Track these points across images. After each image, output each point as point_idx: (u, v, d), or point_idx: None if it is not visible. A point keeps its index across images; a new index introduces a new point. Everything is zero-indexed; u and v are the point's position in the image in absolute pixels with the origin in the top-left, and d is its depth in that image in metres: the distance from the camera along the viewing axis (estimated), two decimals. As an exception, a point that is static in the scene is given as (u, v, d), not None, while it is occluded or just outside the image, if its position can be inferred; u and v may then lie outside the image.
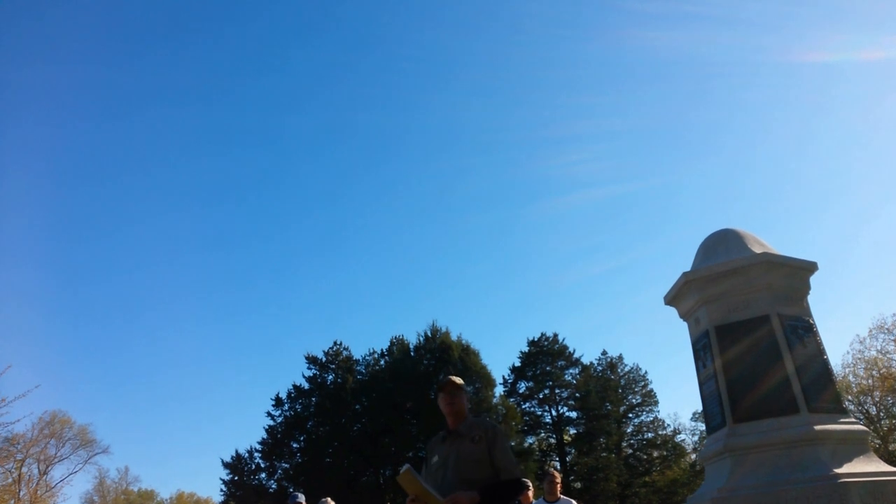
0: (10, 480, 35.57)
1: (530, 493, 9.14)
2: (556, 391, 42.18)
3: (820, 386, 6.83)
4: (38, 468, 44.62)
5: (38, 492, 38.41)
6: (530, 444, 40.90)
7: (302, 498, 8.65)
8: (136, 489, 62.51)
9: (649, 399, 43.59)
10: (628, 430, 43.67)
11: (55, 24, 71.66)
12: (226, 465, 36.87)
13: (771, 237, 7.67)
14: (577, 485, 38.99)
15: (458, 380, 4.40)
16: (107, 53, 76.04)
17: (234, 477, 36.69)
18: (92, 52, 75.31)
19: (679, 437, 45.26)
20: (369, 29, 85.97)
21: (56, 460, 46.51)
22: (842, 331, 69.71)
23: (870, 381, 36.28)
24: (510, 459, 4.12)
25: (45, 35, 70.28)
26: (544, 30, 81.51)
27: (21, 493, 36.18)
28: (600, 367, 43.85)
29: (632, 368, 44.40)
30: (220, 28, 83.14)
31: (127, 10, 75.93)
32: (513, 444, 37.61)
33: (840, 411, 6.91)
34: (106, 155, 77.88)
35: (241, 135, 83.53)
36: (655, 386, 54.52)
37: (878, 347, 36.17)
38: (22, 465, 39.25)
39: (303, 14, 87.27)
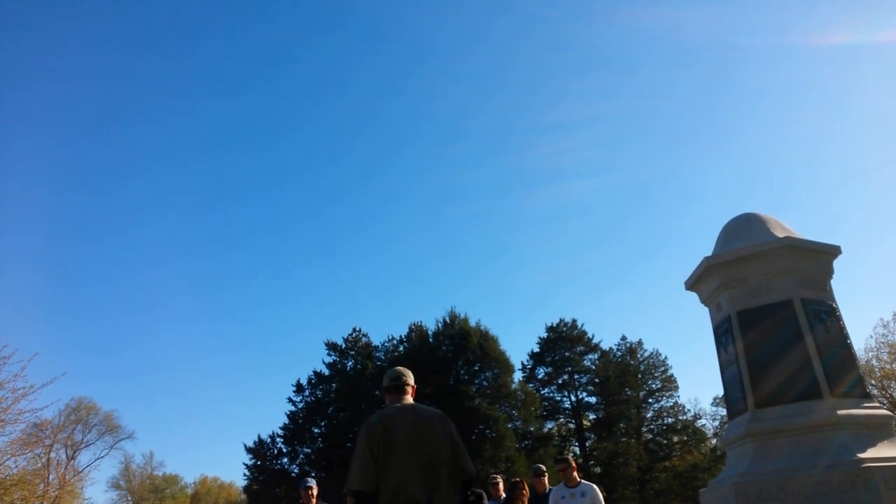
0: (39, 465, 36.31)
1: (545, 480, 9.17)
2: (576, 377, 42.16)
3: (843, 370, 6.77)
4: (66, 453, 45.64)
5: (67, 476, 39.19)
6: (549, 429, 41.02)
7: (313, 482, 8.80)
8: (160, 474, 63.68)
9: (669, 384, 43.42)
10: (648, 416, 43.60)
11: (56, 29, 72.44)
12: (249, 450, 37.39)
13: (796, 220, 7.60)
14: (597, 470, 39.06)
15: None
16: (107, 58, 76.68)
17: (256, 462, 37.21)
18: (91, 56, 76.03)
19: (699, 422, 45.13)
20: (373, 25, 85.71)
21: (83, 446, 47.55)
22: (865, 314, 68.87)
23: (894, 365, 35.76)
24: (351, 467, 3.90)
25: (46, 40, 71.12)
26: (561, 12, 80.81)
27: (50, 478, 36.93)
28: (620, 353, 43.71)
29: (651, 353, 44.24)
30: (221, 30, 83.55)
31: (126, 14, 76.38)
32: (532, 429, 37.74)
33: (863, 396, 6.86)
34: (132, 156, 78.72)
35: (261, 133, 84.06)
36: (675, 371, 54.31)
37: (903, 331, 35.61)
38: (50, 451, 40.11)
39: (305, 16, 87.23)
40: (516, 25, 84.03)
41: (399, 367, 4.42)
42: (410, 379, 4.32)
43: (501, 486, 9.46)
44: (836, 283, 7.43)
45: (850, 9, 71.12)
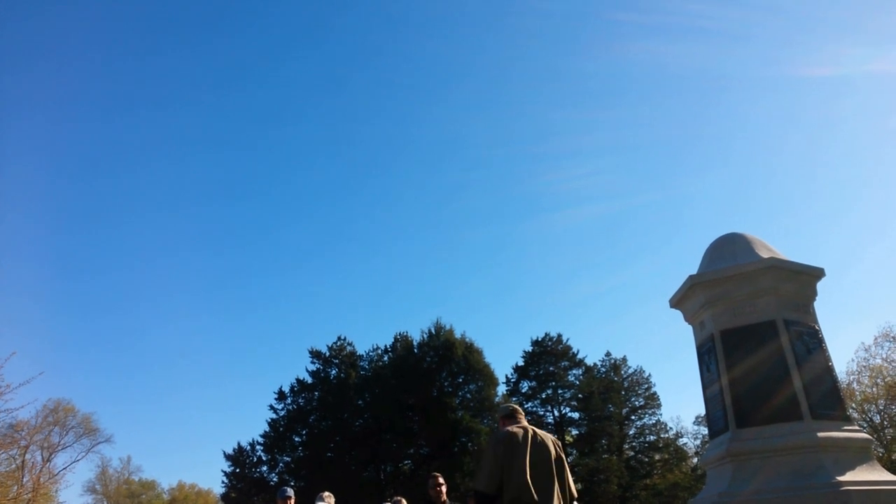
0: (13, 467, 35.77)
1: None
2: (559, 392, 42.11)
3: (824, 393, 6.79)
4: (42, 455, 44.89)
5: (41, 479, 38.53)
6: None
7: (291, 492, 8.66)
8: (137, 479, 62.80)
9: (652, 402, 43.46)
10: (630, 433, 43.57)
11: (57, 24, 71.91)
12: (228, 457, 36.98)
13: (778, 246, 7.61)
14: (578, 486, 38.97)
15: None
16: (112, 51, 76.23)
17: (235, 469, 36.80)
18: (97, 49, 75.53)
19: (681, 441, 45.10)
20: (372, 41, 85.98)
21: (59, 448, 46.76)
22: (847, 338, 69.44)
23: (874, 389, 36.06)
24: (477, 470, 4.67)
25: (46, 35, 70.52)
26: (546, 45, 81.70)
27: (24, 480, 36.34)
28: (604, 369, 43.74)
29: (635, 370, 44.28)
30: (225, 32, 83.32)
31: (131, 7, 76.17)
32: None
33: (844, 419, 6.87)
34: (117, 151, 78.29)
35: (250, 137, 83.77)
36: (658, 389, 54.27)
37: (884, 356, 35.92)
38: (26, 452, 39.47)
39: (305, 24, 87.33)
40: (503, 57, 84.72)
41: (512, 404, 5.27)
42: (521, 414, 5.06)
43: None
44: (818, 306, 7.48)
45: (833, 41, 72.17)
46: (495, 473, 4.39)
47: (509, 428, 4.72)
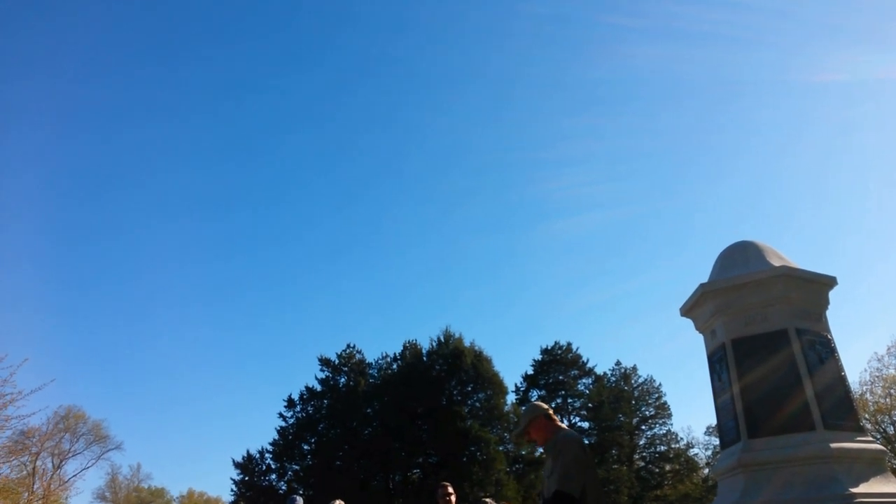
0: (24, 473, 35.92)
1: None
2: (569, 401, 41.93)
3: (837, 403, 6.71)
4: (53, 462, 45.09)
5: (52, 485, 38.68)
6: (541, 453, 40.68)
7: (300, 500, 8.65)
8: (147, 486, 62.90)
9: (663, 411, 43.17)
10: (641, 443, 43.27)
11: (60, 34, 72.97)
12: (237, 465, 36.99)
13: (790, 254, 7.54)
14: (588, 496, 38.67)
15: (519, 428, 5.05)
16: (115, 61, 77.18)
17: (244, 477, 36.79)
18: (99, 59, 76.49)
19: (692, 451, 44.75)
20: (377, 49, 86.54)
21: (70, 455, 46.93)
22: (860, 348, 68.77)
23: (888, 399, 35.65)
24: (562, 473, 4.49)
25: (49, 44, 71.59)
26: (554, 51, 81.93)
27: (35, 487, 36.49)
28: (614, 378, 43.52)
29: (646, 380, 44.03)
30: (227, 42, 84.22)
31: (136, 14, 76.99)
32: (523, 452, 37.51)
33: (857, 430, 6.79)
34: (123, 160, 78.96)
35: (258, 145, 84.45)
36: (669, 398, 53.93)
37: (897, 366, 35.56)
38: (36, 459, 39.64)
39: (310, 33, 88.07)
40: (510, 64, 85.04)
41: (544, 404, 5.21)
42: None
43: None
44: (830, 315, 7.40)
45: (847, 47, 71.93)
46: (580, 477, 4.47)
47: (570, 430, 4.85)
